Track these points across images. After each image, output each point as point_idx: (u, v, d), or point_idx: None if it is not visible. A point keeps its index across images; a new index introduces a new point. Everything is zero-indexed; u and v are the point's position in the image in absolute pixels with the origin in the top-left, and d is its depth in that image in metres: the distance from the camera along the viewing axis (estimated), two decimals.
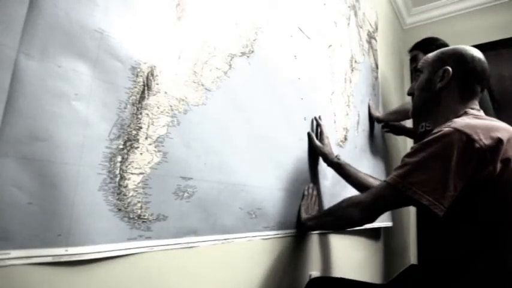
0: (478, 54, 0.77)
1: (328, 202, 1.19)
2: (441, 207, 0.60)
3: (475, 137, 0.60)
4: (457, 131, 0.62)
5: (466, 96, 0.76)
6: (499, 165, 0.60)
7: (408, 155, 0.68)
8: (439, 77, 0.78)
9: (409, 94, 0.88)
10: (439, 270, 0.68)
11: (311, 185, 1.07)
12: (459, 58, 0.77)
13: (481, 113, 0.74)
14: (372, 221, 0.75)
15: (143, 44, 0.59)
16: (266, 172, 0.89)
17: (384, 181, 0.71)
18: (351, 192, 1.36)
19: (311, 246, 1.10)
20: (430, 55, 0.83)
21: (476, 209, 0.63)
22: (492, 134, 0.61)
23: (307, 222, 0.95)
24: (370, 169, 1.57)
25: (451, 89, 0.77)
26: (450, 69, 0.76)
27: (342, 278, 0.90)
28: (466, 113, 0.73)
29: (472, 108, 0.74)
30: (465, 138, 0.60)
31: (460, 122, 0.64)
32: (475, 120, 0.66)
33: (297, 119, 1.06)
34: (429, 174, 0.63)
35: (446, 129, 0.63)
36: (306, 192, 1.04)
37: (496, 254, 0.61)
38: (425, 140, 0.66)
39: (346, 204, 0.79)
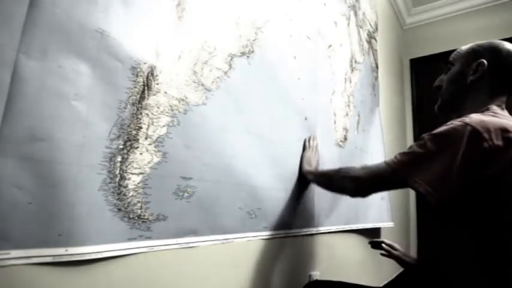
0: None
1: (329, 202, 1.19)
2: (436, 197, 0.61)
3: (486, 135, 0.59)
4: (468, 126, 0.60)
5: (495, 92, 0.73)
6: (506, 168, 0.59)
7: (416, 144, 0.68)
8: (472, 70, 0.75)
9: (436, 87, 0.84)
10: (437, 271, 0.68)
11: (312, 136, 1.09)
12: (496, 52, 0.74)
13: (505, 112, 0.71)
14: (363, 196, 0.78)
15: (143, 44, 0.59)
16: (266, 172, 0.89)
17: (385, 162, 0.71)
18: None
19: (311, 246, 1.10)
20: (464, 47, 0.81)
21: (476, 210, 0.63)
22: (505, 135, 0.59)
23: (307, 174, 1.00)
24: None
25: (482, 83, 0.74)
26: (485, 62, 0.73)
27: (340, 282, 0.90)
28: (488, 109, 0.70)
29: (498, 106, 0.72)
30: (475, 136, 0.59)
31: (474, 118, 0.63)
32: (492, 118, 0.64)
33: (297, 119, 1.06)
34: (432, 167, 0.63)
35: (459, 123, 0.62)
36: (307, 144, 1.07)
37: (494, 255, 0.61)
38: (436, 131, 0.65)
39: (343, 175, 0.80)
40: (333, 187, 0.89)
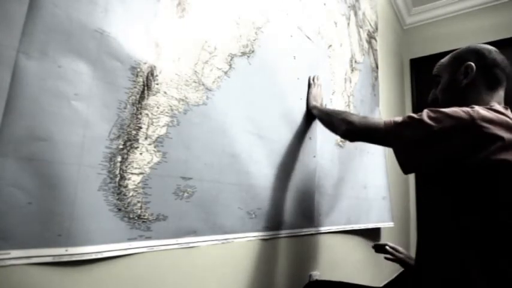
0: (493, 47, 0.79)
1: (327, 201, 1.19)
2: (407, 171, 0.70)
3: (483, 123, 0.61)
4: (468, 114, 0.62)
5: (490, 88, 0.76)
6: (493, 164, 0.60)
7: (416, 114, 0.70)
8: (463, 74, 0.78)
9: (431, 101, 0.87)
10: (432, 272, 0.68)
11: (316, 75, 1.16)
12: (478, 52, 0.78)
13: (508, 111, 0.72)
14: (351, 141, 0.86)
15: (143, 44, 0.59)
16: (266, 172, 0.89)
17: (384, 122, 0.74)
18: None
19: (311, 246, 1.10)
20: (444, 59, 0.84)
21: (466, 211, 0.63)
22: (502, 126, 0.62)
23: (313, 109, 1.09)
24: (370, 168, 1.57)
25: (477, 82, 0.77)
26: (473, 64, 0.76)
27: (340, 282, 0.90)
28: (491, 107, 0.71)
29: (499, 103, 0.75)
30: (471, 122, 0.61)
31: (477, 108, 0.65)
32: (494, 113, 0.65)
33: (296, 119, 1.06)
34: (415, 135, 0.66)
35: (462, 108, 0.64)
36: (311, 82, 1.14)
37: (487, 256, 0.61)
38: (442, 110, 0.66)
39: (342, 117, 0.86)
40: (330, 125, 0.95)
